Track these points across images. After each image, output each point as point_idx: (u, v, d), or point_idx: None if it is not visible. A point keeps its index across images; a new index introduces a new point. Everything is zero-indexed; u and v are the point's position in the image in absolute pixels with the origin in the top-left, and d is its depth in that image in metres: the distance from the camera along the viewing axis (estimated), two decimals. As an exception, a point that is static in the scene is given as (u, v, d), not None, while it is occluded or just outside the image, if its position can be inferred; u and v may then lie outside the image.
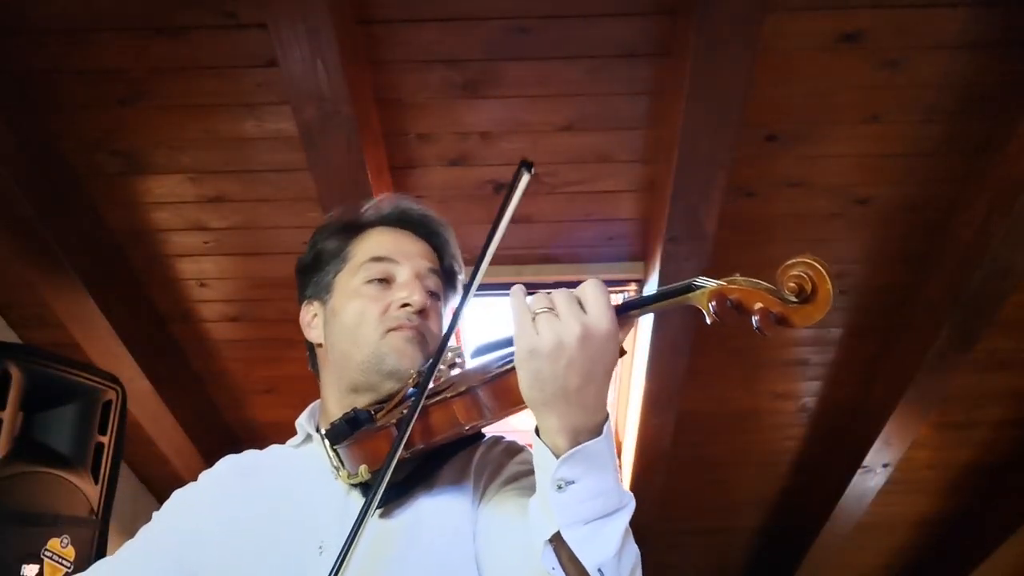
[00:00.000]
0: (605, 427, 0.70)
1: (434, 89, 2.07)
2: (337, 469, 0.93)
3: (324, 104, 1.92)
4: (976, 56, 1.96)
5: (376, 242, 1.06)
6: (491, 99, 2.09)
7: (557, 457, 0.68)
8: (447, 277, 1.11)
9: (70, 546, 1.83)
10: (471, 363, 0.91)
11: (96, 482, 1.94)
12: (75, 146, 2.17)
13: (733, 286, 0.70)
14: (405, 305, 0.99)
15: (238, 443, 3.28)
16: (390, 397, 0.96)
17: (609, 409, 0.72)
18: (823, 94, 2.06)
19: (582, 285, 0.71)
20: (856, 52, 1.96)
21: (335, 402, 1.02)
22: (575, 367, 0.67)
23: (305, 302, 1.10)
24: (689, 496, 3.54)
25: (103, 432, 1.99)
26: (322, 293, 1.07)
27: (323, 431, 0.95)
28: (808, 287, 0.66)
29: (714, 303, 0.69)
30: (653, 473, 3.16)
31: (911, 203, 2.33)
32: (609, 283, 2.63)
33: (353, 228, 1.09)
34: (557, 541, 0.68)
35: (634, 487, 3.23)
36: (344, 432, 0.90)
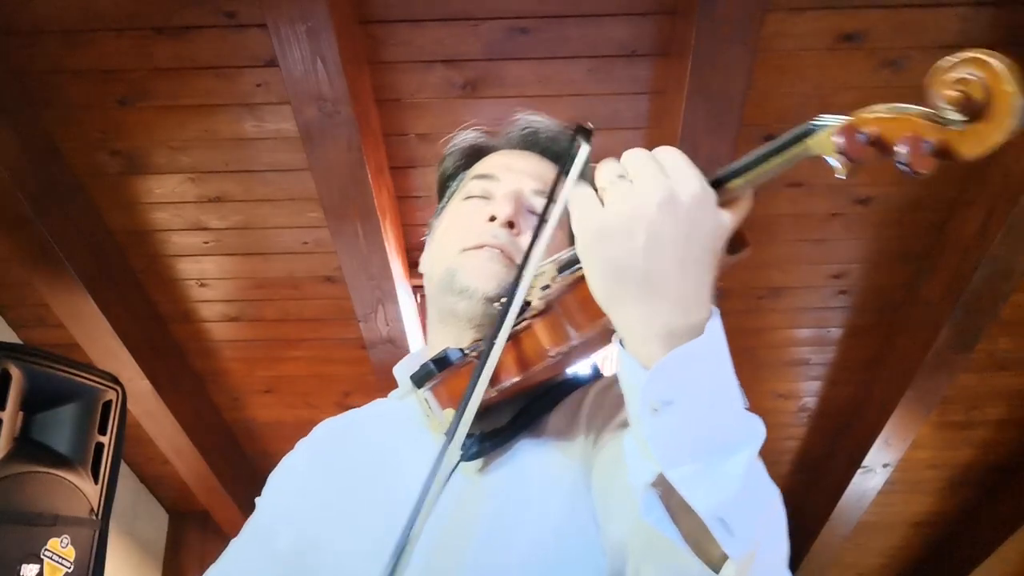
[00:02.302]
0: (709, 325, 0.53)
1: (434, 89, 2.07)
2: (428, 417, 0.79)
3: (324, 104, 1.92)
4: (976, 56, 1.96)
5: (487, 162, 0.96)
6: (491, 99, 2.09)
7: (647, 369, 0.53)
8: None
9: (70, 546, 1.83)
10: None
11: (96, 482, 1.94)
12: (75, 146, 2.17)
13: (869, 116, 0.53)
14: (492, 219, 0.86)
15: (238, 443, 3.28)
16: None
17: None
18: (823, 94, 2.06)
19: (656, 150, 0.57)
20: (856, 52, 1.96)
21: (432, 339, 0.92)
22: (660, 244, 0.53)
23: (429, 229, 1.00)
24: (689, 496, 3.54)
25: (103, 432, 1.99)
26: (437, 216, 0.98)
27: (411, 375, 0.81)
28: (979, 95, 0.47)
29: (842, 139, 0.53)
30: (653, 473, 3.16)
31: (911, 203, 2.33)
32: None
33: (476, 152, 0.99)
34: (662, 485, 0.52)
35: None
36: (430, 372, 0.77)
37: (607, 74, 2.03)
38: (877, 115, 0.53)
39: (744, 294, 2.61)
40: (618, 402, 0.72)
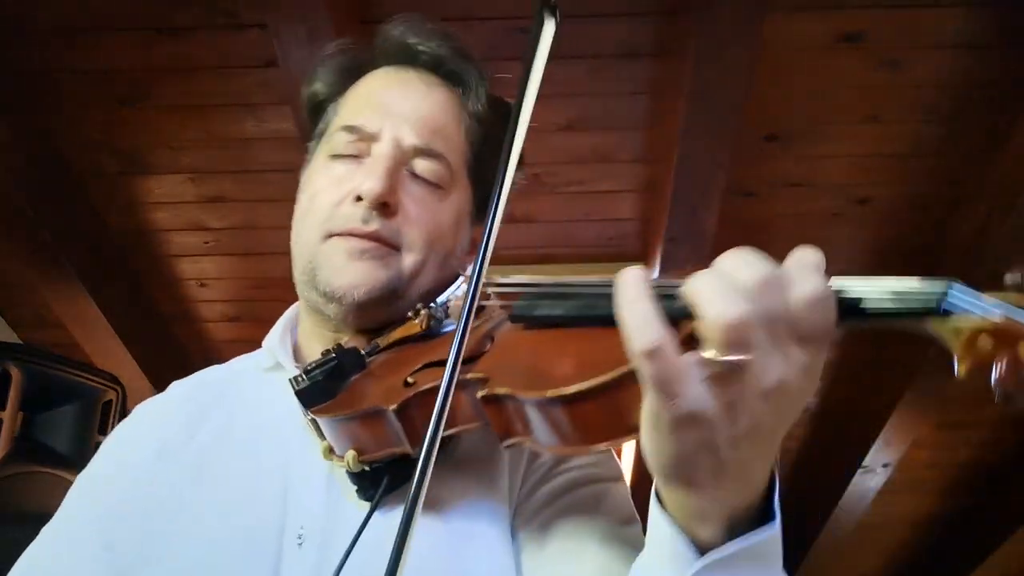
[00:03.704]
0: (774, 503, 0.46)
1: (434, 89, 2.07)
2: (315, 436, 0.67)
3: (324, 104, 1.92)
4: (976, 56, 1.96)
5: (360, 97, 0.78)
6: (491, 99, 2.09)
7: (701, 553, 0.45)
8: (482, 144, 0.79)
9: (70, 546, 1.82)
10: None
11: (96, 482, 1.94)
12: (75, 146, 2.17)
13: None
14: (360, 199, 0.71)
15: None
16: (386, 328, 0.71)
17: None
18: (823, 94, 2.05)
19: (793, 274, 0.40)
20: (856, 52, 1.95)
21: (306, 319, 0.80)
22: (758, 435, 0.42)
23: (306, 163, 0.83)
24: (689, 496, 3.54)
25: (103, 432, 1.99)
26: (307, 161, 0.82)
27: (294, 379, 0.67)
28: None
29: (997, 361, 0.37)
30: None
31: (911, 203, 2.33)
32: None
33: (353, 68, 0.82)
34: None
35: (635, 488, 3.23)
36: (321, 392, 0.65)
37: (607, 74, 2.03)
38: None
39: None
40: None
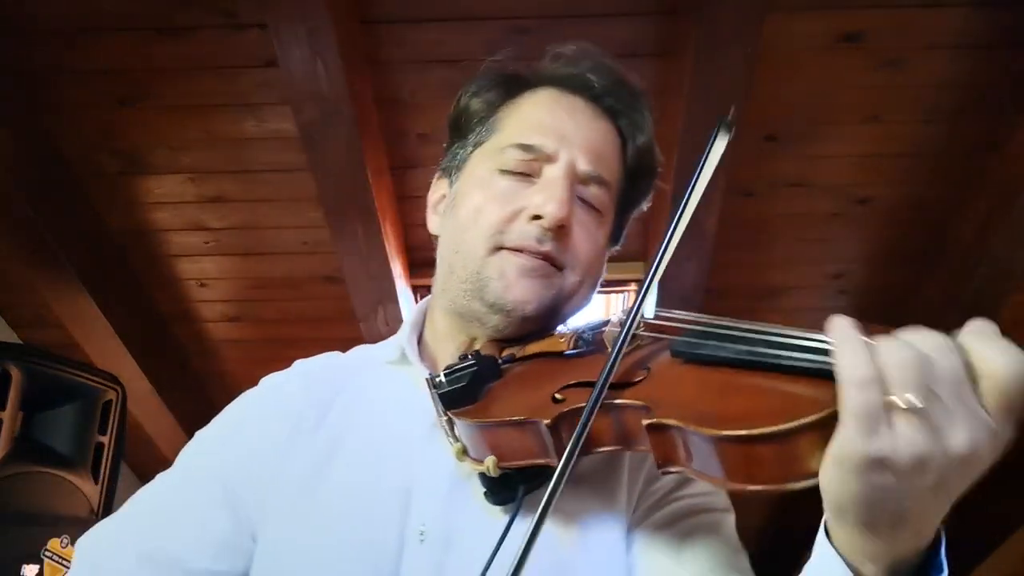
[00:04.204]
0: (941, 554, 0.49)
1: (434, 89, 2.07)
2: (448, 436, 0.69)
3: (324, 104, 1.92)
4: (976, 56, 1.96)
5: (531, 117, 0.78)
6: (491, 99, 2.09)
7: None
8: (632, 179, 0.82)
9: (70, 546, 1.82)
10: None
11: (96, 482, 1.95)
12: (75, 146, 2.17)
13: None
14: (536, 217, 0.72)
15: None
16: (523, 340, 0.73)
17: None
18: (823, 94, 2.05)
19: (977, 345, 0.43)
20: (856, 52, 1.95)
21: (442, 320, 0.80)
22: (943, 491, 0.44)
23: (438, 174, 0.85)
24: (689, 496, 3.54)
25: (103, 432, 1.99)
26: (454, 169, 0.82)
27: (433, 380, 0.69)
28: None
29: None
30: (653, 473, 3.16)
31: (911, 203, 2.33)
32: (609, 283, 2.63)
33: (514, 83, 0.82)
34: None
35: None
36: (463, 396, 0.67)
37: (607, 74, 2.03)
38: None
39: (744, 294, 2.61)
40: None
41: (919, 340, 0.43)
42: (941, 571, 0.48)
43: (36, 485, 1.81)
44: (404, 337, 0.81)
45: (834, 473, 0.44)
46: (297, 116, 1.98)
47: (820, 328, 0.48)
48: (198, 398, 2.98)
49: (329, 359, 0.88)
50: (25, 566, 1.73)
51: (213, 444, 0.81)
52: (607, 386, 0.56)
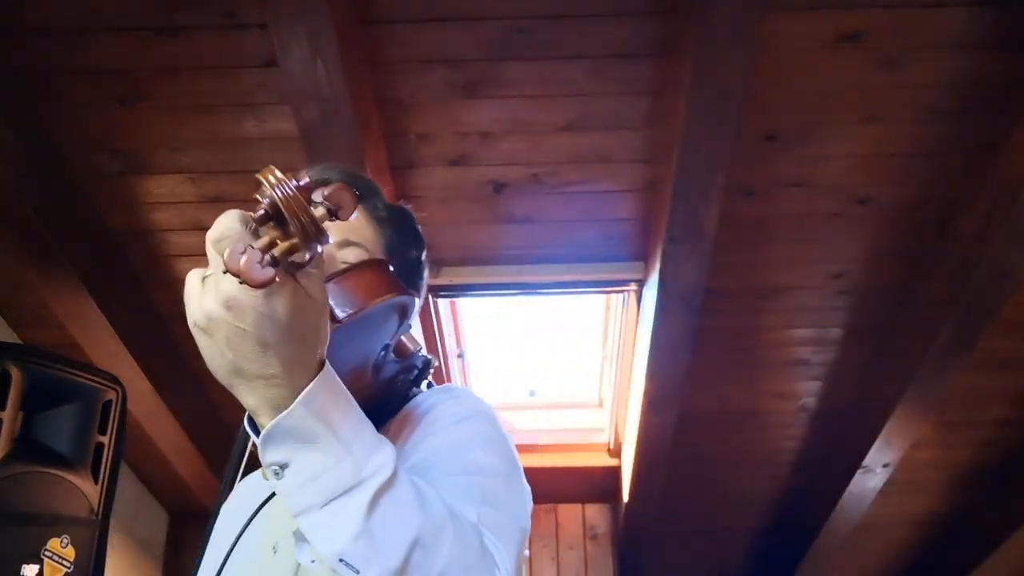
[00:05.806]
0: (304, 393, 0.59)
1: (434, 89, 2.07)
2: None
3: (324, 104, 1.92)
4: (976, 56, 1.96)
5: None
6: (491, 99, 2.09)
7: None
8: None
9: (70, 546, 1.83)
10: None
11: (96, 482, 1.94)
12: (75, 146, 2.17)
13: None
14: None
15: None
16: None
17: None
18: (823, 94, 2.05)
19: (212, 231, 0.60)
20: (856, 52, 1.95)
21: None
22: (236, 342, 0.57)
23: None
24: (689, 496, 3.54)
25: (103, 432, 1.99)
26: None
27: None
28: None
29: None
30: (653, 473, 3.16)
31: (911, 203, 2.33)
32: (609, 283, 2.63)
33: None
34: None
35: (634, 487, 3.23)
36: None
37: (607, 74, 2.03)
38: None
39: (744, 294, 2.61)
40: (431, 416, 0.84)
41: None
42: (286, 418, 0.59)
43: (36, 485, 1.81)
44: None
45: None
46: (297, 116, 1.98)
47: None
48: (198, 398, 2.98)
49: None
50: (25, 566, 1.73)
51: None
52: None
